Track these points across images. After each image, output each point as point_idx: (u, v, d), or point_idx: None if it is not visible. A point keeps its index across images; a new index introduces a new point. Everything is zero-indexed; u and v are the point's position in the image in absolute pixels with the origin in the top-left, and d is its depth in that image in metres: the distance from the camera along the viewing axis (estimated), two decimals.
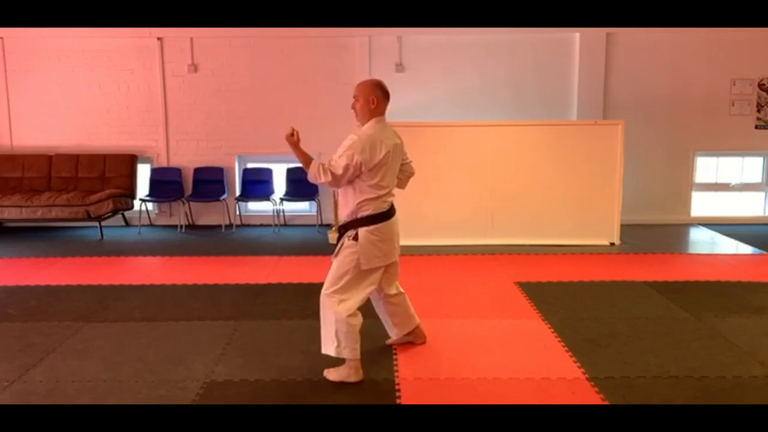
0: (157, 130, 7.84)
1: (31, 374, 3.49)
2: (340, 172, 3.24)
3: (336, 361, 3.42)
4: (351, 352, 3.34)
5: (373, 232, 3.34)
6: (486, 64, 7.71)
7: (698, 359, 3.64)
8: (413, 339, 3.85)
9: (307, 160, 3.36)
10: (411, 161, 3.65)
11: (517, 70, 7.71)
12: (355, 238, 3.32)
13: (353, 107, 3.39)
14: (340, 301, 3.32)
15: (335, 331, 3.31)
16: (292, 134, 3.35)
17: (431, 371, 3.50)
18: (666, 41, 7.66)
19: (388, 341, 3.87)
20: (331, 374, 3.40)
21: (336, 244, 3.46)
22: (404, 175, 3.62)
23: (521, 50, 7.69)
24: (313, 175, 3.31)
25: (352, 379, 3.37)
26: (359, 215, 3.34)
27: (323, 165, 3.27)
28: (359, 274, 3.35)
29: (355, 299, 3.35)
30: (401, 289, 3.76)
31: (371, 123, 3.35)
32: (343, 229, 3.42)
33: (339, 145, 3.42)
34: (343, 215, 3.41)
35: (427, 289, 5.10)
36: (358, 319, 3.36)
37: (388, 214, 3.42)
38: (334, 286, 3.35)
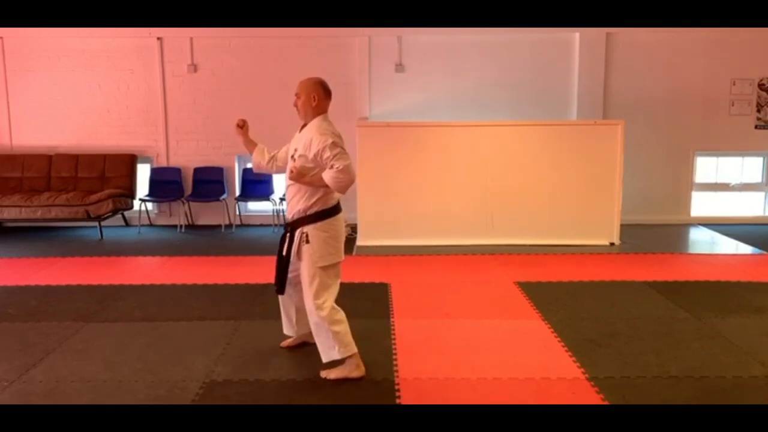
0: (157, 130, 7.84)
1: (31, 374, 3.49)
2: (354, 172, 3.27)
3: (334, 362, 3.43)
4: (347, 349, 3.36)
5: (322, 229, 3.35)
6: (486, 65, 7.71)
7: (698, 359, 3.64)
8: (308, 338, 3.72)
9: (252, 148, 3.75)
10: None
11: (517, 70, 7.71)
12: (308, 240, 3.33)
13: (295, 105, 3.45)
14: (319, 307, 3.33)
15: (331, 336, 3.33)
16: (243, 126, 3.68)
17: (431, 371, 3.50)
18: (666, 41, 7.66)
19: (284, 343, 3.83)
20: (332, 373, 3.40)
21: (284, 242, 3.45)
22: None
23: (521, 50, 7.69)
24: (343, 185, 3.26)
25: (355, 374, 3.38)
26: (308, 213, 3.34)
27: (338, 170, 3.21)
28: (323, 274, 3.35)
29: (330, 298, 3.38)
30: None
31: (319, 120, 3.37)
32: (289, 227, 3.41)
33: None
34: (292, 212, 3.40)
35: (427, 289, 5.10)
36: (341, 315, 3.39)
37: (336, 209, 3.41)
38: (310, 294, 3.35)
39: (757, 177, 8.06)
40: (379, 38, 7.64)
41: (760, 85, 7.75)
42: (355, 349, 3.39)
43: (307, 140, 3.32)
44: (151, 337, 4.03)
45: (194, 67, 7.72)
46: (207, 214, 7.95)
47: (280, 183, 7.90)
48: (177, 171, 7.83)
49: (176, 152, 7.89)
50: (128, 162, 7.73)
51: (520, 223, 6.74)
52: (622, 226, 6.80)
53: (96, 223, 7.33)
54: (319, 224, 3.34)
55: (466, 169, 6.75)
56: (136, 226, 7.75)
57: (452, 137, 6.75)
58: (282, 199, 7.65)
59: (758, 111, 7.79)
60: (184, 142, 7.86)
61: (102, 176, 7.68)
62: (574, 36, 7.64)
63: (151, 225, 7.96)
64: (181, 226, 7.74)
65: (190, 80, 7.73)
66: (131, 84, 7.77)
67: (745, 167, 8.06)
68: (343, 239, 3.48)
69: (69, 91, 7.76)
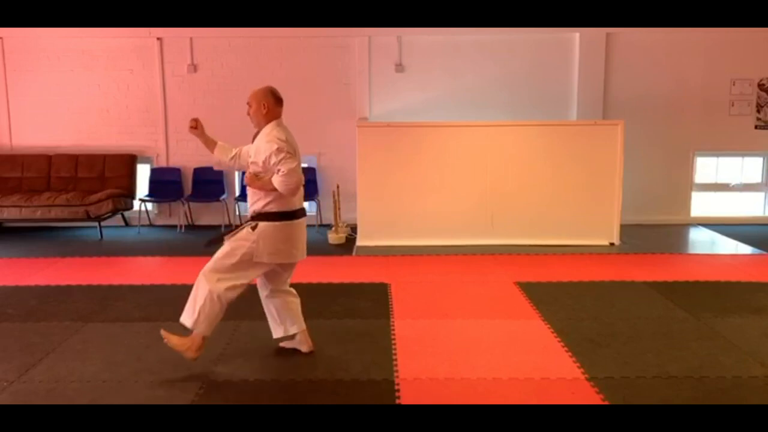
0: (157, 130, 7.84)
1: (30, 374, 3.49)
2: (300, 174, 3.38)
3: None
4: (206, 328, 3.42)
5: (277, 229, 3.42)
6: (486, 64, 7.71)
7: (698, 359, 3.64)
8: (301, 347, 3.77)
9: (212, 146, 3.72)
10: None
11: (517, 70, 7.71)
12: (254, 228, 3.40)
13: (248, 113, 3.55)
14: (218, 280, 3.41)
15: (200, 306, 3.38)
16: (195, 126, 3.62)
17: (431, 371, 3.50)
18: (666, 41, 7.66)
19: (282, 343, 3.81)
20: (172, 339, 3.45)
21: (234, 230, 3.55)
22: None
23: (521, 50, 7.69)
24: (290, 188, 3.35)
25: (190, 354, 3.43)
26: (264, 211, 3.43)
27: (283, 174, 3.31)
28: (247, 263, 3.42)
29: (234, 283, 3.43)
30: (293, 291, 3.77)
31: (269, 126, 3.47)
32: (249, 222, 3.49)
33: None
34: (250, 210, 3.51)
35: (427, 289, 5.10)
36: (223, 305, 3.43)
37: (295, 214, 3.48)
38: (217, 268, 3.43)
39: (756, 177, 8.06)
40: (379, 38, 7.64)
41: (760, 85, 7.75)
42: (208, 333, 3.44)
43: (257, 147, 3.46)
44: (151, 337, 4.02)
45: (194, 67, 7.72)
46: (207, 215, 7.95)
47: None
48: (177, 171, 7.83)
49: (176, 152, 7.88)
50: (128, 162, 7.73)
51: (520, 223, 6.74)
52: (622, 226, 6.80)
53: (96, 223, 7.32)
54: (272, 224, 3.41)
55: (466, 169, 6.75)
56: (136, 226, 7.75)
57: (452, 137, 6.75)
58: None
59: (758, 111, 7.79)
60: (183, 142, 7.85)
61: (102, 176, 7.68)
62: (574, 36, 7.64)
63: (150, 225, 7.95)
64: (180, 226, 7.74)
65: (190, 80, 7.73)
66: (131, 84, 7.76)
67: (745, 167, 8.06)
68: (299, 243, 3.53)
69: (69, 91, 7.76)
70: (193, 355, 3.44)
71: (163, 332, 3.47)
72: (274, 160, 3.34)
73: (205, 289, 3.40)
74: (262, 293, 3.73)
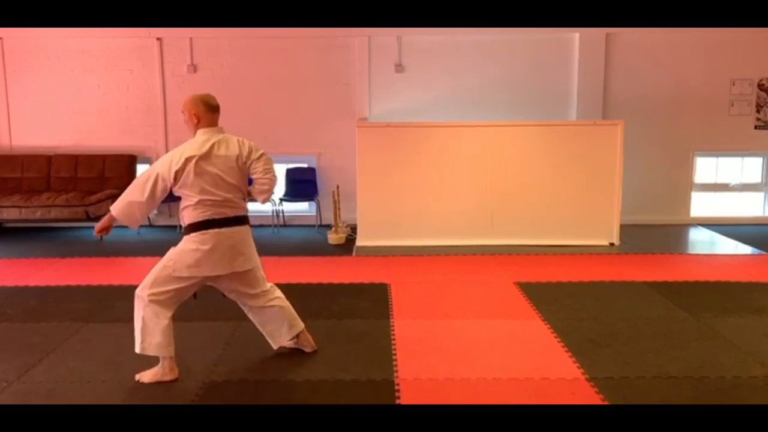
0: (157, 130, 7.84)
1: (30, 374, 3.49)
2: (141, 191, 3.42)
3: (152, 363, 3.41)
4: (161, 348, 3.31)
5: (191, 240, 3.34)
6: (485, 65, 7.71)
7: (698, 359, 3.64)
8: (304, 346, 3.75)
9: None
10: (261, 176, 3.56)
11: (517, 70, 7.72)
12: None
13: (185, 122, 3.52)
14: (151, 295, 3.31)
15: (142, 329, 3.31)
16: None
17: (430, 371, 3.50)
18: (665, 41, 7.66)
19: (281, 346, 3.74)
20: (145, 376, 3.38)
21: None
22: (254, 190, 3.60)
23: (521, 50, 7.69)
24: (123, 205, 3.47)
25: (168, 378, 3.36)
26: (184, 224, 3.42)
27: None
28: (175, 278, 3.33)
29: (165, 298, 3.32)
30: (274, 302, 3.65)
31: (197, 134, 3.47)
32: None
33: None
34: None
35: (427, 289, 5.10)
36: (166, 320, 3.32)
37: (211, 223, 3.36)
38: (147, 284, 3.35)
39: (756, 177, 8.07)
40: (379, 38, 7.64)
41: (760, 86, 7.75)
42: (168, 353, 3.34)
43: None
44: None
45: (194, 67, 7.72)
46: None
47: (279, 183, 7.89)
48: None
49: None
50: (128, 162, 7.73)
51: (520, 223, 6.75)
52: (622, 226, 6.80)
53: (96, 224, 7.30)
54: (190, 235, 3.36)
55: (466, 169, 6.75)
56: None
57: (452, 137, 6.75)
58: (282, 200, 7.65)
59: (758, 111, 7.79)
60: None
61: (101, 176, 7.68)
62: (574, 36, 7.65)
63: (150, 225, 7.95)
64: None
65: (189, 80, 7.72)
66: (131, 84, 7.77)
67: (745, 167, 8.07)
68: (224, 253, 3.39)
69: (68, 91, 7.76)
70: (171, 377, 3.37)
71: (137, 377, 3.40)
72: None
73: (141, 308, 3.33)
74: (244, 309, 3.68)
